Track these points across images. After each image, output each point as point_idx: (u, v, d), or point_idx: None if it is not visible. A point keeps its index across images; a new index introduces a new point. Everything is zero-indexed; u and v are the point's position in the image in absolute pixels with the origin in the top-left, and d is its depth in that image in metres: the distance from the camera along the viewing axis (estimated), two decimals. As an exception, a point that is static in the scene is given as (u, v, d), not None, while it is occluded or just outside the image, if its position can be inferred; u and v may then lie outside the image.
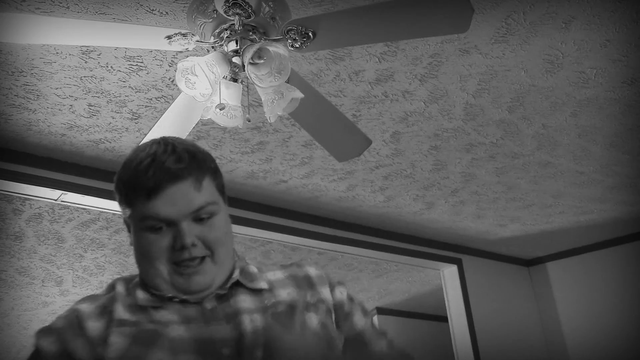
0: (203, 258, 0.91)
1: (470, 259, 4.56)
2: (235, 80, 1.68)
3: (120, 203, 0.98)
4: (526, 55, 2.18)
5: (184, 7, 1.80)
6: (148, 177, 0.90)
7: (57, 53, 2.01)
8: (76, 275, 4.11)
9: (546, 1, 1.90)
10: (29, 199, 3.00)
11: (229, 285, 0.95)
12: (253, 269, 1.02)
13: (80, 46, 1.98)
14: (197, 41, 1.64)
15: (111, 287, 0.97)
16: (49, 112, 2.36)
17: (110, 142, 2.65)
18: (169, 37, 1.60)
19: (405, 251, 4.12)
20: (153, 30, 1.59)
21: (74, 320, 0.90)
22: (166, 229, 0.90)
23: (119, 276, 1.03)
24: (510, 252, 4.82)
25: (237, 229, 3.33)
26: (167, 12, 1.84)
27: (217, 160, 3.31)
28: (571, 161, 3.12)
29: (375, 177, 3.18)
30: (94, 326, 0.89)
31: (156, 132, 1.92)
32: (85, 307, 0.92)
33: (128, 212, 0.96)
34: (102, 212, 3.17)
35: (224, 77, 1.65)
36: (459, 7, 1.47)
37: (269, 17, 1.62)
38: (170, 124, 1.89)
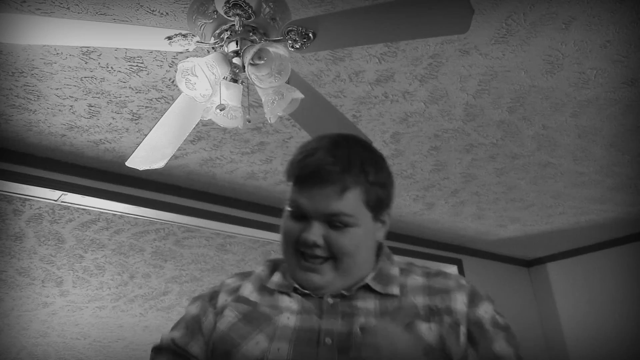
0: (326, 259, 0.93)
1: (470, 259, 4.56)
2: (235, 81, 1.68)
3: (286, 179, 1.01)
4: (526, 55, 2.19)
5: (184, 7, 1.80)
6: (302, 167, 0.94)
7: (58, 54, 2.01)
8: (76, 275, 4.11)
9: (546, 2, 1.90)
10: (29, 200, 3.00)
11: (355, 288, 0.95)
12: (394, 271, 1.00)
13: (81, 47, 1.98)
14: (198, 42, 1.64)
15: (257, 268, 1.05)
16: (49, 112, 2.36)
17: (110, 143, 2.65)
18: (169, 38, 1.60)
19: (405, 252, 4.13)
20: (153, 31, 1.59)
21: (215, 290, 1.02)
22: (302, 219, 0.94)
23: (271, 258, 1.10)
24: (511, 253, 4.82)
25: (237, 229, 3.34)
26: (167, 13, 1.84)
27: (217, 161, 3.28)
28: (571, 162, 3.12)
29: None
30: (223, 298, 0.99)
31: (156, 133, 1.92)
32: (230, 281, 1.03)
33: (287, 189, 1.00)
34: (102, 212, 3.17)
35: (224, 78, 1.65)
36: (459, 8, 1.47)
37: (269, 17, 1.62)
38: (171, 125, 1.89)
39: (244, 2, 1.51)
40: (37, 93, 2.23)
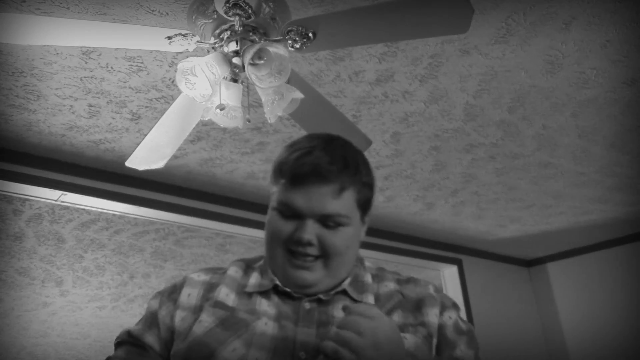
0: (317, 258, 0.93)
1: (470, 259, 4.56)
2: (235, 81, 1.68)
3: (271, 179, 1.00)
4: (526, 55, 2.18)
5: (184, 7, 1.80)
6: (297, 166, 0.92)
7: (58, 54, 2.01)
8: (76, 275, 4.11)
9: (546, 1, 1.90)
10: (29, 200, 3.00)
11: (333, 292, 0.95)
12: (368, 278, 1.01)
13: (81, 47, 1.98)
14: (198, 42, 1.64)
15: (228, 268, 1.03)
16: (49, 112, 2.36)
17: (110, 143, 2.65)
18: (169, 38, 1.60)
19: (405, 252, 4.12)
20: (153, 31, 1.59)
21: (177, 284, 1.01)
22: (294, 218, 0.93)
23: (238, 258, 1.07)
24: (510, 253, 4.82)
25: (237, 229, 3.34)
26: (167, 13, 1.84)
27: (217, 161, 3.28)
28: (571, 162, 3.12)
29: (375, 177, 3.18)
30: (188, 293, 0.97)
31: (156, 133, 1.92)
32: (194, 276, 1.01)
33: (274, 189, 0.98)
34: (102, 212, 3.17)
35: (224, 78, 1.65)
36: (459, 8, 1.47)
37: (269, 17, 1.62)
38: (171, 125, 1.89)
39: (244, 1, 1.51)
40: (37, 93, 2.23)
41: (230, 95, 1.67)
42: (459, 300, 4.30)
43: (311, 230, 0.91)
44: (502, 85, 2.38)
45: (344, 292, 0.96)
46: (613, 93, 2.47)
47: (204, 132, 2.61)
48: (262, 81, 1.56)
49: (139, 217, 3.13)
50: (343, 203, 0.93)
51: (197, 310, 0.94)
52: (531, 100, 2.50)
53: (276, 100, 1.62)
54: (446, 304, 0.99)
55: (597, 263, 4.63)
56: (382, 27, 1.58)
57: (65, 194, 2.77)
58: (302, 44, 1.63)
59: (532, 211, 3.84)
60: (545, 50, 2.16)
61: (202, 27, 1.64)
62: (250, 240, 3.78)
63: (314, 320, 0.91)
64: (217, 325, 0.90)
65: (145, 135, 2.02)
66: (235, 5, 1.52)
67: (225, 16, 1.56)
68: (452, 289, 4.39)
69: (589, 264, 4.68)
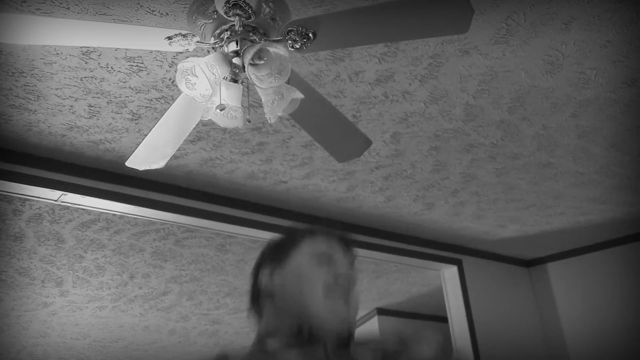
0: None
1: (470, 259, 4.55)
2: (235, 81, 1.68)
3: None
4: (526, 56, 2.19)
5: (185, 8, 1.80)
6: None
7: (58, 54, 2.01)
8: (76, 276, 4.10)
9: (546, 2, 1.90)
10: (29, 200, 3.00)
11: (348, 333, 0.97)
12: None
13: (81, 47, 1.98)
14: (198, 42, 1.64)
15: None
16: (49, 112, 2.36)
17: (110, 143, 2.65)
18: (169, 38, 1.60)
19: (405, 252, 4.12)
20: (153, 31, 1.60)
21: None
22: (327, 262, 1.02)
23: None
24: (510, 253, 4.82)
25: (237, 229, 3.34)
26: (167, 13, 1.84)
27: (217, 161, 3.28)
28: (571, 162, 3.12)
29: (376, 177, 3.18)
30: None
31: (156, 133, 1.92)
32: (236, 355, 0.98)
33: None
34: (102, 212, 3.17)
35: (224, 78, 1.65)
36: (459, 8, 1.47)
37: (269, 17, 1.62)
38: (171, 125, 1.89)
39: (244, 2, 1.51)
40: (37, 93, 2.23)
41: (230, 95, 1.67)
42: (459, 301, 4.30)
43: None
44: (502, 86, 2.38)
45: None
46: (613, 93, 2.47)
47: (204, 132, 2.61)
48: (262, 81, 1.56)
49: (139, 217, 3.13)
50: None
51: None
52: (531, 100, 2.50)
53: (276, 101, 1.62)
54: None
55: (597, 263, 4.63)
56: (382, 27, 1.58)
57: (65, 194, 2.77)
58: (302, 44, 1.63)
59: (532, 211, 3.84)
60: (545, 51, 2.16)
61: (202, 27, 1.64)
62: (250, 240, 3.78)
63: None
64: None
65: (146, 135, 2.02)
66: (235, 5, 1.52)
67: (225, 16, 1.57)
68: (452, 289, 4.39)
69: (589, 264, 4.68)
